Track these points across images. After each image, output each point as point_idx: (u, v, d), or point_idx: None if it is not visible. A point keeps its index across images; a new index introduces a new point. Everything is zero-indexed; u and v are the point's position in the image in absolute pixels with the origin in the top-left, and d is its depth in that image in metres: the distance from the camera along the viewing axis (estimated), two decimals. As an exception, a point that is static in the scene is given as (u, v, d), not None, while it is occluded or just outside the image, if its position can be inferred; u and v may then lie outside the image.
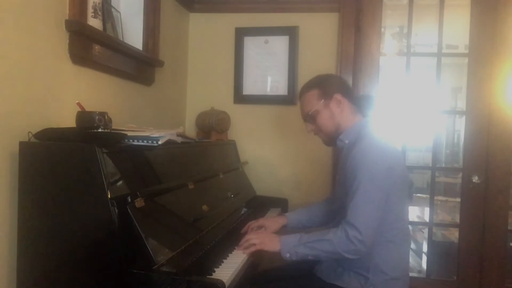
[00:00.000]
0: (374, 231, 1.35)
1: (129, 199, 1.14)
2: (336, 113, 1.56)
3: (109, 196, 1.09)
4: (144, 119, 2.01)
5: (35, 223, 1.19)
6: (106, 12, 1.72)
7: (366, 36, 2.41)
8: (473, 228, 2.31)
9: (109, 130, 1.28)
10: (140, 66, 1.94)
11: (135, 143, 1.33)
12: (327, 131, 1.60)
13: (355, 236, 1.32)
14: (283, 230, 1.80)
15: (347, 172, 1.44)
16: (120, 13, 1.90)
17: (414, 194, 3.31)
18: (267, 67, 2.52)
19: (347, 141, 1.54)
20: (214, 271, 1.25)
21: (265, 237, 1.51)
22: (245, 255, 1.43)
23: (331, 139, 1.61)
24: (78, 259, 1.14)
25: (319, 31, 2.45)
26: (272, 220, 1.78)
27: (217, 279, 1.10)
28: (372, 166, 1.37)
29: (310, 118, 1.61)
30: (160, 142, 1.34)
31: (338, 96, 1.55)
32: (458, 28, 2.49)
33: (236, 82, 2.55)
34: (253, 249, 1.45)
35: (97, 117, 1.24)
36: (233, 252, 1.45)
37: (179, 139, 1.51)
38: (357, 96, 1.69)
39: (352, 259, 1.40)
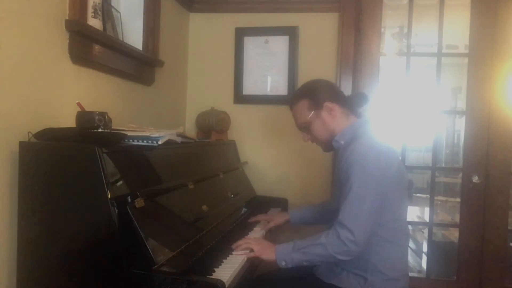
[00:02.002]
0: (367, 231, 1.35)
1: (129, 199, 1.14)
2: (328, 121, 1.56)
3: (109, 196, 1.09)
4: (144, 119, 2.01)
5: (35, 223, 1.19)
6: (106, 12, 1.72)
7: (366, 36, 2.41)
8: (473, 228, 2.31)
9: (109, 130, 1.28)
10: (140, 66, 1.94)
11: (135, 143, 1.33)
12: (322, 139, 1.61)
13: (347, 237, 1.32)
14: (287, 226, 1.90)
15: (341, 172, 1.44)
16: (120, 13, 1.90)
17: (414, 194, 3.32)
18: (267, 67, 2.51)
19: (342, 142, 1.53)
20: (214, 271, 1.25)
21: (263, 245, 1.50)
22: (245, 255, 1.43)
23: (328, 145, 1.62)
24: (78, 259, 1.14)
25: (319, 31, 2.45)
26: (277, 215, 1.94)
27: (217, 279, 1.10)
28: (365, 167, 1.37)
29: (304, 128, 1.62)
30: (160, 142, 1.34)
31: (328, 104, 1.54)
32: (458, 28, 2.49)
33: (236, 82, 2.55)
34: (251, 255, 1.45)
35: (97, 117, 1.24)
36: (233, 252, 1.45)
37: (179, 139, 1.51)
38: (348, 95, 1.69)
39: (350, 259, 1.40)
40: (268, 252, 1.46)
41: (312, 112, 1.57)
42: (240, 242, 1.50)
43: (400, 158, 1.58)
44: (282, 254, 1.43)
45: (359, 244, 1.32)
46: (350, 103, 1.61)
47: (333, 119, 1.55)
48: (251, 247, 1.47)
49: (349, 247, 1.32)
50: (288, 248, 1.43)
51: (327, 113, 1.55)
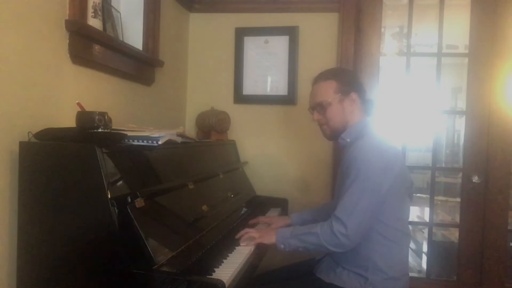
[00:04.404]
0: (360, 227, 1.36)
1: (129, 199, 1.14)
2: (347, 111, 1.55)
3: (109, 196, 1.09)
4: (144, 119, 2.01)
5: (35, 223, 1.19)
6: (106, 12, 1.72)
7: (366, 36, 2.41)
8: (473, 228, 2.31)
9: (109, 130, 1.28)
10: (140, 66, 1.94)
11: (135, 143, 1.33)
12: (334, 126, 1.58)
13: (339, 230, 1.34)
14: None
15: (343, 169, 1.45)
16: (120, 13, 1.90)
17: (414, 194, 3.31)
18: (267, 67, 2.51)
19: (348, 140, 1.54)
20: (214, 271, 1.25)
21: (263, 231, 1.57)
22: (245, 254, 1.43)
23: (335, 134, 1.60)
24: (78, 259, 1.14)
25: (319, 31, 2.45)
26: (278, 218, 1.93)
27: (217, 279, 1.10)
28: (368, 165, 1.38)
29: (320, 108, 1.58)
30: (160, 142, 1.34)
31: (354, 95, 1.55)
32: (458, 28, 2.49)
33: (236, 82, 2.55)
34: (253, 242, 1.51)
35: (97, 117, 1.24)
36: (233, 252, 1.45)
37: (179, 139, 1.51)
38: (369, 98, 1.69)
39: (352, 258, 1.41)
40: (268, 237, 1.52)
41: (338, 95, 1.55)
42: (241, 232, 1.55)
43: (403, 158, 1.58)
44: (281, 238, 1.48)
45: (351, 238, 1.34)
46: (368, 104, 1.62)
47: (352, 111, 1.55)
48: (252, 235, 1.53)
49: (340, 240, 1.35)
50: (287, 233, 1.48)
51: (350, 102, 1.55)
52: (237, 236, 1.55)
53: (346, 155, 1.48)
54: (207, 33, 2.59)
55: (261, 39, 2.51)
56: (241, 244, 1.52)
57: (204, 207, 1.57)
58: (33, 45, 1.28)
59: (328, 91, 1.56)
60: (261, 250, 1.57)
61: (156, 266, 1.10)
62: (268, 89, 2.52)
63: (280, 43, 2.48)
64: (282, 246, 1.47)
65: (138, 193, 1.17)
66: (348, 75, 1.62)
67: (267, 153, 2.53)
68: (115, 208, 1.09)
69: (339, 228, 1.35)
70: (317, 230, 1.40)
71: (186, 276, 1.10)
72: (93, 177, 1.10)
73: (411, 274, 1.57)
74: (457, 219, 2.40)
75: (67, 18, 1.41)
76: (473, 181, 2.28)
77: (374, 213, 1.39)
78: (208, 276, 1.19)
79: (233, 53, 2.55)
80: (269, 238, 1.50)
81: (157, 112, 2.20)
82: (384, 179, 1.38)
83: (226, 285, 1.13)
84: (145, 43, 2.00)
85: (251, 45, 2.53)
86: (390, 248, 1.45)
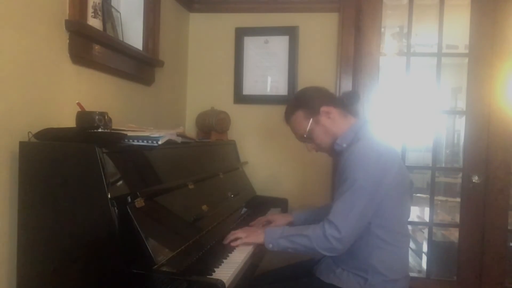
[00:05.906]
0: (355, 232, 1.35)
1: (129, 199, 1.14)
2: (328, 125, 1.53)
3: (109, 196, 1.09)
4: (144, 119, 2.01)
5: (35, 223, 1.19)
6: (106, 12, 1.72)
7: (366, 36, 2.41)
8: (473, 228, 2.31)
9: (109, 130, 1.28)
10: (140, 66, 1.94)
11: (135, 143, 1.33)
12: (326, 145, 1.58)
13: (332, 235, 1.33)
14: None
15: (341, 173, 1.44)
16: (120, 13, 1.91)
17: (414, 194, 3.31)
18: (267, 67, 2.52)
19: (344, 145, 1.52)
20: (214, 271, 1.25)
21: (249, 231, 1.55)
22: (245, 254, 1.43)
23: (333, 150, 1.59)
24: (78, 259, 1.14)
25: (319, 31, 2.45)
26: (279, 216, 1.88)
27: (217, 279, 1.10)
28: (366, 168, 1.36)
29: (306, 139, 1.59)
30: (160, 142, 1.34)
31: (324, 108, 1.53)
32: (458, 28, 2.49)
33: (236, 82, 2.55)
34: (238, 242, 1.48)
35: (97, 117, 1.24)
36: (233, 252, 1.45)
37: (179, 139, 1.51)
38: (339, 95, 1.67)
39: (351, 261, 1.42)
40: (255, 236, 1.49)
41: (311, 120, 1.54)
42: (228, 236, 1.53)
43: (401, 159, 1.56)
44: (270, 237, 1.46)
45: (344, 243, 1.33)
46: (343, 103, 1.59)
47: (333, 122, 1.54)
48: (237, 236, 1.50)
49: (333, 244, 1.33)
50: (277, 233, 1.46)
51: (326, 117, 1.53)
52: (224, 241, 1.51)
53: (343, 159, 1.45)
54: (207, 33, 2.59)
55: (261, 39, 2.51)
56: (224, 242, 1.50)
57: (204, 207, 1.57)
58: (33, 45, 1.28)
59: (301, 122, 1.56)
60: (261, 250, 1.56)
61: (156, 266, 1.10)
62: (268, 89, 2.52)
63: (280, 43, 2.48)
64: (271, 245, 1.45)
65: (138, 193, 1.17)
66: (308, 95, 1.59)
67: (267, 153, 2.53)
68: (115, 208, 1.09)
69: (332, 233, 1.33)
70: (308, 232, 1.38)
71: (186, 276, 1.10)
72: (93, 177, 1.10)
73: (411, 274, 1.57)
74: (457, 219, 2.40)
75: (67, 18, 1.41)
76: (473, 181, 2.28)
77: (368, 218, 1.38)
78: (208, 276, 1.19)
79: (233, 53, 2.55)
80: (256, 238, 1.48)
81: (157, 112, 2.20)
82: (381, 183, 1.37)
83: (226, 285, 1.13)
84: (145, 43, 2.00)
85: (251, 45, 2.53)
86: (390, 252, 1.43)
